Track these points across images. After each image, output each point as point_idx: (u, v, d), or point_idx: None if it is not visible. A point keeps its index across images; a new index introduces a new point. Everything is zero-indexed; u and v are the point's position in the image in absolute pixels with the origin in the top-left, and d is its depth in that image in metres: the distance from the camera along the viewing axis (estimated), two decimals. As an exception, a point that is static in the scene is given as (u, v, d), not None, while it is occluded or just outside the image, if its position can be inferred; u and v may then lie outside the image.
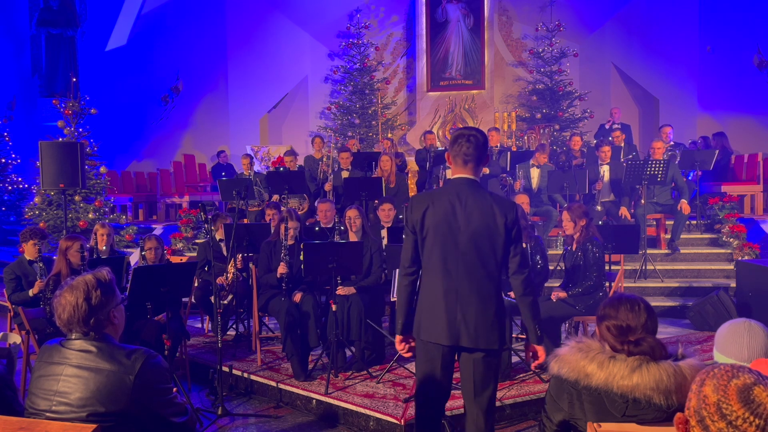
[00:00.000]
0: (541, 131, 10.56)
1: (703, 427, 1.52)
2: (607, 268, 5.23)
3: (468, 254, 2.73)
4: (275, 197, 7.99)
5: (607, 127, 10.32)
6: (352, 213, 5.37)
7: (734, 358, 2.07)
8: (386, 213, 5.86)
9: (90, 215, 8.38)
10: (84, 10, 13.55)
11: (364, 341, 4.86)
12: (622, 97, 12.53)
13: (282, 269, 4.91)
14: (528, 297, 2.81)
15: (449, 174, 2.86)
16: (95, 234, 5.42)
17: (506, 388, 4.38)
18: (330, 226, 5.98)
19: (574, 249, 4.91)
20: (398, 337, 2.93)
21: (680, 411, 1.66)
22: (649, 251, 7.30)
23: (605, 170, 7.92)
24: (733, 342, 2.10)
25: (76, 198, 8.43)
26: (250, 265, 5.46)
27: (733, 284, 6.53)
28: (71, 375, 2.04)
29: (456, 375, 2.91)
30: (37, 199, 8.71)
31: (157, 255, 5.18)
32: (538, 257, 4.94)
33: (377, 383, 4.55)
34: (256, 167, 10.04)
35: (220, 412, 4.22)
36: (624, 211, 7.49)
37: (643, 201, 7.37)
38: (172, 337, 4.20)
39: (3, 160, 11.49)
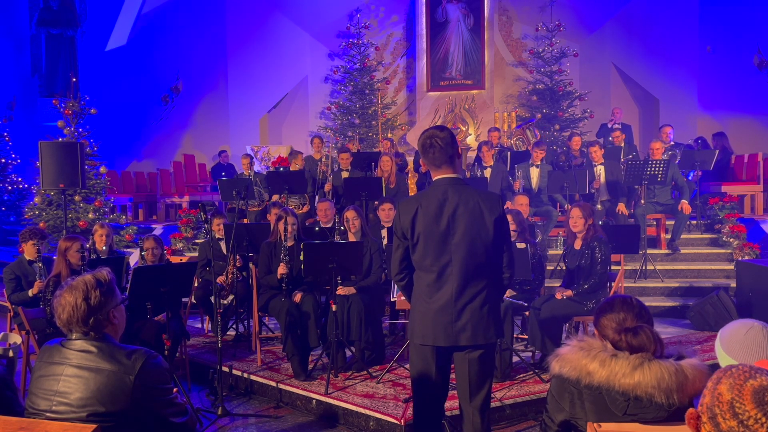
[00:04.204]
0: (527, 130, 10.52)
1: (714, 424, 1.52)
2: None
3: (460, 254, 2.75)
4: (275, 197, 7.99)
5: (609, 126, 10.32)
6: (350, 214, 5.37)
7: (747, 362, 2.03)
8: (386, 213, 5.85)
9: (90, 215, 8.37)
10: (84, 10, 13.55)
11: (364, 341, 4.86)
12: (622, 97, 12.53)
13: (282, 269, 4.91)
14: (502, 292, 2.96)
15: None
16: (94, 234, 5.42)
17: (506, 388, 4.38)
18: (330, 225, 5.98)
19: (579, 248, 4.90)
20: None
21: (681, 410, 1.66)
22: (649, 251, 7.29)
23: (600, 170, 7.90)
24: (752, 351, 2.04)
25: (76, 198, 8.43)
26: (250, 265, 5.46)
27: (733, 284, 6.53)
28: (71, 375, 2.04)
29: (452, 375, 2.92)
30: (37, 199, 8.71)
31: (156, 255, 5.17)
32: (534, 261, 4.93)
33: (377, 383, 4.55)
34: (256, 167, 10.04)
35: (220, 412, 4.22)
36: (621, 208, 7.45)
37: (642, 201, 7.36)
38: (172, 337, 4.20)
39: (3, 160, 11.49)
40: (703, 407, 1.57)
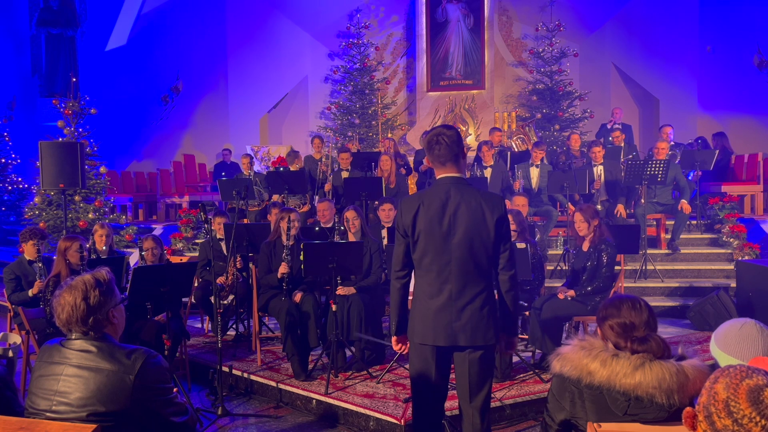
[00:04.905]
0: (527, 128, 10.51)
1: (710, 423, 1.53)
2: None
3: (460, 254, 2.74)
4: (275, 197, 7.99)
5: (609, 126, 10.32)
6: (350, 214, 5.37)
7: (744, 360, 2.03)
8: (386, 213, 5.86)
9: (90, 215, 8.37)
10: (84, 10, 13.55)
11: (364, 341, 4.86)
12: (622, 97, 12.53)
13: (283, 269, 4.91)
14: (512, 292, 2.90)
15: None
16: (94, 234, 5.42)
17: (506, 388, 4.38)
18: (330, 225, 5.98)
19: (585, 249, 4.89)
20: (394, 338, 2.97)
21: (682, 411, 1.66)
22: (649, 251, 7.29)
23: (600, 170, 7.90)
24: (747, 346, 2.04)
25: (76, 198, 8.43)
26: (250, 265, 5.46)
27: (734, 284, 6.53)
28: (71, 375, 2.04)
29: (451, 375, 2.92)
30: (37, 199, 8.71)
31: (155, 255, 5.15)
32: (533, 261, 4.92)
33: (377, 383, 4.55)
34: (256, 167, 10.04)
35: (220, 412, 4.22)
36: (620, 209, 7.45)
37: (642, 201, 7.36)
38: (172, 337, 4.20)
39: (3, 160, 11.49)
40: (700, 406, 1.58)
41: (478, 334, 2.76)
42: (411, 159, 9.85)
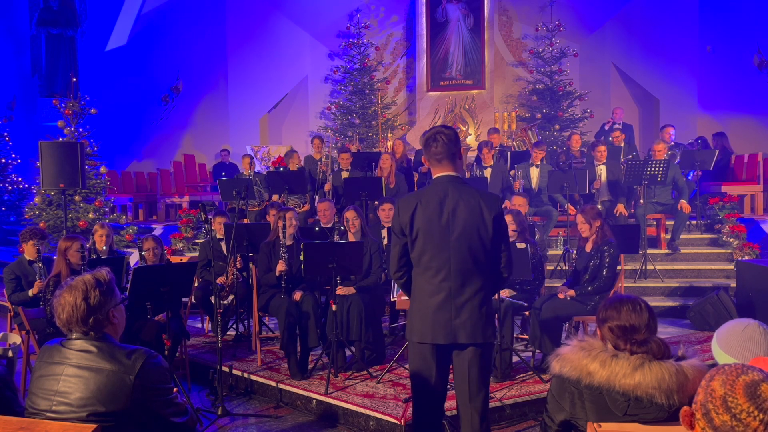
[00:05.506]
0: (529, 131, 10.53)
1: (708, 420, 1.54)
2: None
3: (458, 252, 2.75)
4: (275, 197, 7.99)
5: (606, 128, 10.32)
6: (350, 214, 5.37)
7: (746, 362, 2.03)
8: (386, 213, 5.85)
9: (90, 215, 8.37)
10: (84, 10, 13.55)
11: (364, 341, 4.86)
12: (622, 97, 12.53)
13: (281, 266, 4.90)
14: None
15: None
16: (94, 234, 5.42)
17: (506, 388, 4.38)
18: (330, 226, 5.98)
19: (588, 250, 4.89)
20: None
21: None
22: (649, 251, 7.29)
23: (602, 170, 7.90)
24: (749, 348, 2.04)
25: (76, 198, 8.43)
26: (250, 265, 5.46)
27: (734, 284, 6.53)
28: (71, 375, 2.04)
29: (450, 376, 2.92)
30: (37, 199, 8.71)
31: (156, 255, 5.15)
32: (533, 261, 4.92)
33: (377, 383, 4.55)
34: (256, 167, 10.04)
35: (220, 412, 4.22)
36: (620, 208, 7.45)
37: (642, 201, 7.36)
38: (172, 337, 4.20)
39: (3, 160, 11.49)
40: (697, 404, 1.59)
41: (477, 332, 2.76)
42: (411, 158, 9.84)
